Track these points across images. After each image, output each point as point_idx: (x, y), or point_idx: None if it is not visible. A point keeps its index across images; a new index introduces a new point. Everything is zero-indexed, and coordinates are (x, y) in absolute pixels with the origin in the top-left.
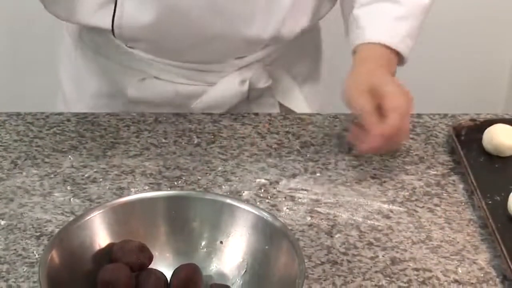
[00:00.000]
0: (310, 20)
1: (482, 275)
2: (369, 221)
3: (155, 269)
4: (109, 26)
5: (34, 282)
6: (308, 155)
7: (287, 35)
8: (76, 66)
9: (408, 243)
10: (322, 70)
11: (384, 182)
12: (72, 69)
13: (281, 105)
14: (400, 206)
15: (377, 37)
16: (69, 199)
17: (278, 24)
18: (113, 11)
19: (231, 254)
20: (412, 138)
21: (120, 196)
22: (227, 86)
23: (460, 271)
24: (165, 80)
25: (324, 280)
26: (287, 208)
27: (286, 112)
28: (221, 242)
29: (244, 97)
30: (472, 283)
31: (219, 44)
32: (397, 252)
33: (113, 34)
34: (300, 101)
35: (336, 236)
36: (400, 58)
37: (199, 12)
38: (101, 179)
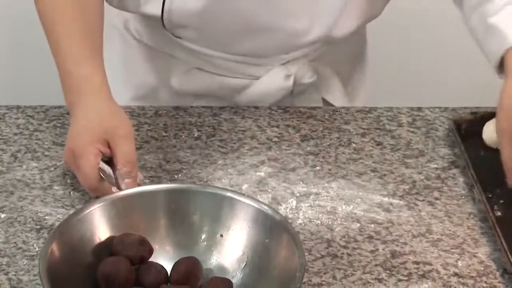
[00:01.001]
0: (361, 22)
1: (482, 268)
2: (369, 215)
3: (155, 262)
4: (159, 12)
5: (35, 275)
6: (308, 149)
7: (336, 35)
8: (122, 57)
9: (408, 236)
10: (367, 69)
11: (384, 175)
12: (116, 61)
13: (324, 101)
14: (400, 200)
15: None
16: (69, 192)
17: (329, 22)
18: None
19: (231, 247)
20: (412, 132)
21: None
22: (272, 81)
23: (460, 265)
24: (209, 72)
25: (324, 274)
26: (287, 202)
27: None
28: (221, 235)
29: (289, 92)
30: (472, 277)
31: (266, 37)
32: (397, 245)
33: (162, 21)
34: (344, 99)
35: (336, 229)
36: None
37: (248, 2)
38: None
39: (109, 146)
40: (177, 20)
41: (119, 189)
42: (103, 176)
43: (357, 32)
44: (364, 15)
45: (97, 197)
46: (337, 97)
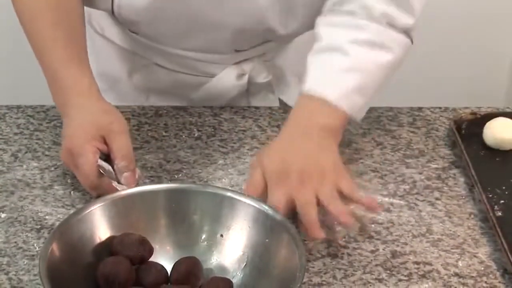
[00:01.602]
0: (310, 21)
1: (482, 268)
2: (369, 215)
3: (155, 262)
4: (109, 8)
5: (35, 275)
6: None
7: (282, 33)
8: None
9: (408, 236)
10: None
11: (385, 175)
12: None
13: (281, 102)
14: (400, 200)
15: (315, 89)
16: (70, 192)
17: (274, 21)
18: None
19: (231, 247)
20: (412, 132)
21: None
22: (226, 79)
23: (460, 265)
24: (166, 68)
25: (325, 273)
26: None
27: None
28: (222, 235)
29: (243, 91)
30: (472, 277)
31: (216, 33)
32: (397, 245)
33: (113, 14)
34: None
35: (337, 229)
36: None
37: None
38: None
39: (105, 143)
40: (127, 16)
41: (119, 183)
42: (103, 172)
43: (310, 33)
44: (312, 14)
45: (98, 197)
46: (292, 98)
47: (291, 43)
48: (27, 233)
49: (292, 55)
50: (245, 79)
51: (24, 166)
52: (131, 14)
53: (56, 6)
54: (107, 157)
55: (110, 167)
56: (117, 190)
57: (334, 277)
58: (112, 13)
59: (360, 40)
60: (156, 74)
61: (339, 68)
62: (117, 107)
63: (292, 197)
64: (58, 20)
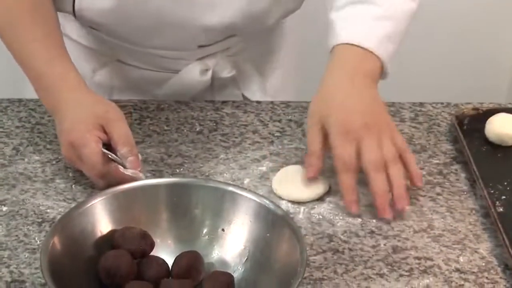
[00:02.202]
0: (273, 15)
1: (483, 264)
2: (371, 210)
3: (156, 256)
4: (70, 10)
5: (36, 268)
6: None
7: (243, 26)
8: None
9: (409, 232)
10: (288, 65)
11: None
12: None
13: (244, 98)
14: None
15: (351, 38)
16: (71, 186)
17: (236, 14)
18: None
19: (232, 241)
20: (414, 127)
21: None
22: (189, 74)
23: (461, 260)
24: (130, 65)
25: (326, 268)
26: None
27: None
28: (223, 230)
29: (207, 86)
30: (473, 272)
31: (179, 31)
32: (398, 240)
33: (74, 16)
34: (262, 95)
35: (338, 224)
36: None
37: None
38: None
39: (104, 132)
40: (89, 18)
41: (126, 168)
42: (112, 158)
43: (276, 27)
44: (282, 10)
45: (104, 187)
46: (255, 93)
47: (256, 38)
48: (28, 227)
49: (255, 50)
50: (208, 74)
51: (26, 160)
52: (93, 16)
53: (33, 8)
54: (107, 146)
55: (113, 155)
56: (125, 175)
57: (335, 272)
58: (73, 15)
59: None
60: (119, 71)
61: (370, 17)
62: (118, 101)
63: (359, 149)
64: (36, 20)
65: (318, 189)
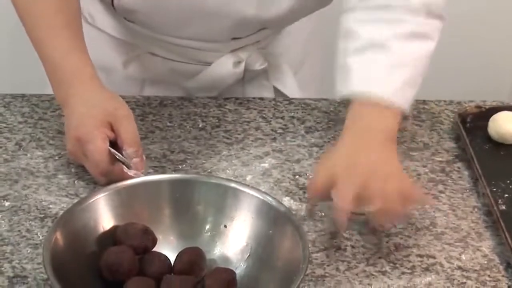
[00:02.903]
0: (308, 7)
1: (485, 262)
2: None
3: (159, 252)
4: None
5: (38, 263)
6: (312, 140)
7: (285, 20)
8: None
9: (412, 229)
10: (320, 58)
11: None
12: None
13: (275, 89)
14: None
15: (367, 89)
16: (74, 181)
17: (274, 6)
18: None
19: (235, 238)
20: (417, 125)
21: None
22: (222, 66)
23: (463, 258)
24: (161, 56)
25: (328, 265)
26: (291, 193)
27: (279, 96)
28: (225, 226)
29: (239, 78)
30: (475, 270)
31: (214, 21)
32: (401, 238)
33: (113, 5)
34: (293, 87)
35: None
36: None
37: None
38: None
39: (112, 130)
40: (126, 4)
41: (130, 169)
42: (118, 158)
43: (305, 21)
44: (317, 2)
45: (106, 184)
46: (287, 85)
47: (285, 30)
48: (30, 222)
49: (286, 42)
50: (241, 66)
51: (28, 155)
52: (130, 3)
53: None
54: (113, 145)
55: (120, 154)
56: (127, 176)
57: (337, 269)
58: (112, 4)
59: (402, 34)
60: (151, 63)
61: (385, 65)
62: (121, 96)
63: (361, 193)
64: (58, 7)
65: None
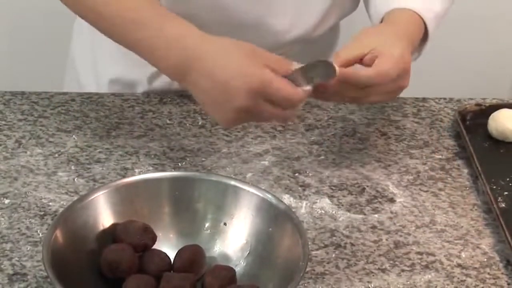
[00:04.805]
0: (339, 19)
1: (485, 259)
2: (373, 205)
3: (158, 250)
4: None
5: (38, 261)
6: (312, 138)
7: (316, 34)
8: (93, 50)
9: (411, 227)
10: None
11: (389, 165)
12: (88, 52)
13: None
14: (404, 190)
15: (412, 4)
16: (73, 179)
17: (311, 22)
18: None
19: (235, 235)
20: (417, 122)
21: (124, 177)
22: None
23: (463, 256)
24: None
25: (328, 263)
26: (291, 191)
27: None
28: (225, 224)
29: None
30: (475, 268)
31: (248, 33)
32: (400, 236)
33: None
34: None
35: (340, 219)
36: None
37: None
38: (105, 159)
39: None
40: None
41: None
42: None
43: (332, 29)
44: (343, 13)
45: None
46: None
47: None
48: (30, 219)
49: (310, 50)
50: None
51: (28, 153)
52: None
53: None
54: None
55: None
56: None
57: (337, 266)
58: None
59: None
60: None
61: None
62: (121, 94)
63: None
64: None
65: None
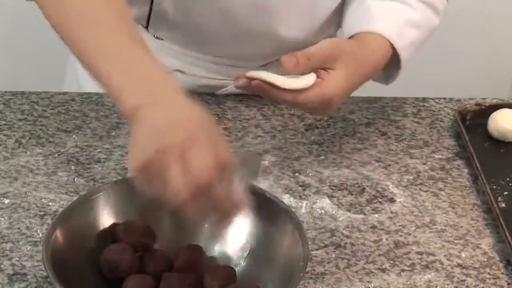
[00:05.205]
0: (339, 25)
1: (485, 259)
2: (373, 204)
3: (159, 250)
4: (145, 13)
5: (38, 261)
6: (312, 138)
7: (320, 39)
8: None
9: (411, 227)
10: None
11: (389, 165)
12: None
13: None
14: (404, 190)
15: (387, 31)
16: (73, 179)
17: (318, 27)
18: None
19: (234, 235)
20: (417, 122)
21: (124, 177)
22: None
23: (463, 256)
24: (189, 74)
25: (328, 263)
26: (291, 190)
27: None
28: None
29: None
30: (475, 268)
31: (254, 42)
32: (400, 235)
33: (147, 23)
34: None
35: (340, 219)
36: (392, 65)
37: (240, 6)
38: (105, 159)
39: None
40: (165, 23)
41: None
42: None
43: (333, 35)
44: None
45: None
46: None
47: None
48: (30, 219)
49: None
50: None
51: (28, 153)
52: (170, 23)
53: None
54: None
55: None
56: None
57: (337, 266)
58: (147, 18)
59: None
60: (178, 80)
61: (406, 20)
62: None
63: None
64: (114, 13)
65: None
